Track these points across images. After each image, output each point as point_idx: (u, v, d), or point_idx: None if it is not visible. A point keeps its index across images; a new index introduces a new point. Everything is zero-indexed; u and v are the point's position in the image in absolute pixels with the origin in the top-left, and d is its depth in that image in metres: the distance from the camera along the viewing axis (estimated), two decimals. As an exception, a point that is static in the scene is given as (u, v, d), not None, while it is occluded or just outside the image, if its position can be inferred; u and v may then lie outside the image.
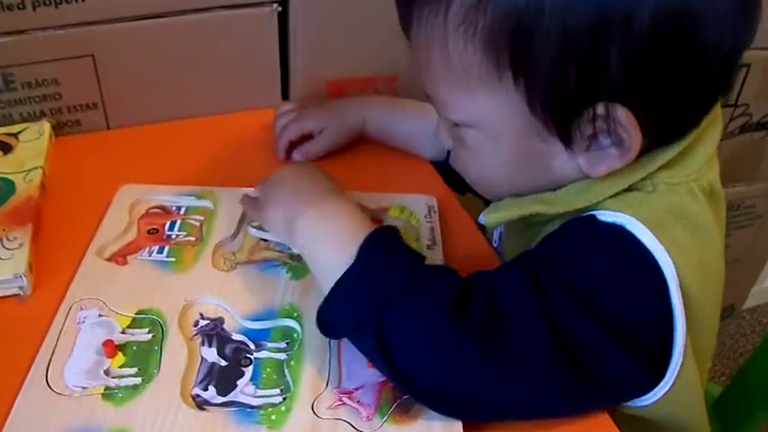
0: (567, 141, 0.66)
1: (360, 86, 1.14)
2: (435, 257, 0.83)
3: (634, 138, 0.63)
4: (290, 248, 0.81)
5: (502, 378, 0.63)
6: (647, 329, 0.65)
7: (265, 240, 0.83)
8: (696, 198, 0.69)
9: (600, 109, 0.62)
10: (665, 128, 0.66)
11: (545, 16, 0.59)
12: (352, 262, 0.66)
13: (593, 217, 0.68)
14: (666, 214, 0.66)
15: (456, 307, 0.63)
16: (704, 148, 0.70)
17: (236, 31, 1.03)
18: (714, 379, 1.79)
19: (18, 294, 0.77)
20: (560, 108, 0.63)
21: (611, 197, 0.67)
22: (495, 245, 0.88)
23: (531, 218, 0.71)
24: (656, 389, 0.67)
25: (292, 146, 0.98)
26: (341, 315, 0.67)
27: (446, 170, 0.98)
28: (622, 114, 0.62)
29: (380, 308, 0.63)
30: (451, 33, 0.63)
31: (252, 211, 0.82)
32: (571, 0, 0.58)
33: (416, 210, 0.90)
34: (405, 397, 0.67)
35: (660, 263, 0.64)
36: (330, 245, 0.70)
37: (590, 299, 0.63)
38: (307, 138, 0.99)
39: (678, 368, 0.66)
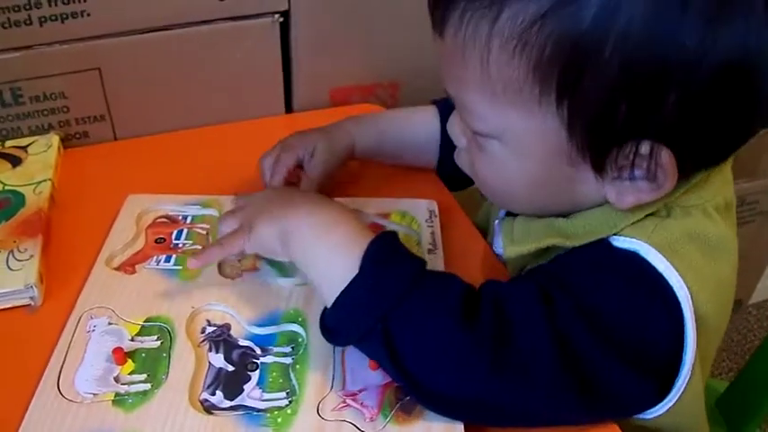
0: (599, 170, 0.64)
1: (362, 94, 1.17)
2: (436, 262, 0.84)
3: (670, 177, 0.62)
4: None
5: (508, 390, 0.63)
6: (657, 352, 0.65)
7: None
8: (711, 217, 0.68)
9: (644, 147, 0.61)
10: (700, 165, 0.66)
11: (608, 46, 0.56)
12: (355, 271, 0.65)
13: (608, 242, 0.67)
14: (681, 238, 0.66)
15: (464, 313, 0.63)
16: (722, 170, 0.70)
17: (239, 42, 1.05)
18: (722, 375, 1.80)
19: (29, 304, 0.79)
20: (602, 139, 0.62)
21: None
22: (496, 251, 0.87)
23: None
24: (662, 404, 0.67)
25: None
26: (347, 323, 0.67)
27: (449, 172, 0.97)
28: (666, 156, 0.61)
29: (387, 314, 0.64)
30: (496, 45, 0.60)
31: (237, 239, 0.75)
32: (639, 35, 0.56)
33: (417, 214, 0.91)
34: (407, 398, 0.69)
35: (675, 289, 0.64)
36: (331, 255, 0.69)
37: (602, 324, 0.62)
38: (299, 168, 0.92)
39: (685, 385, 0.66)
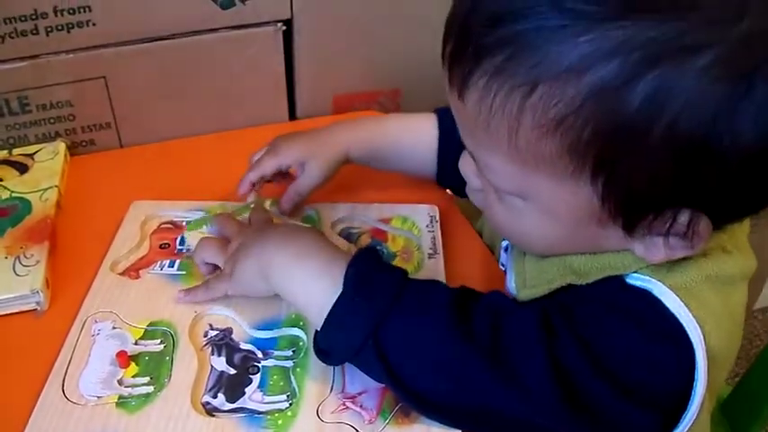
0: (629, 231, 0.62)
1: (365, 100, 1.18)
2: (437, 266, 0.85)
3: (704, 241, 0.60)
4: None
5: (502, 395, 0.63)
6: (664, 391, 0.64)
7: None
8: (729, 255, 0.67)
9: (683, 217, 0.59)
10: (732, 221, 0.64)
11: (655, 131, 0.53)
12: (339, 291, 0.66)
13: (622, 280, 0.66)
14: (696, 277, 0.64)
15: (453, 316, 0.64)
16: None
17: (242, 51, 1.06)
18: (728, 380, 1.78)
19: (35, 309, 0.80)
20: (637, 209, 0.59)
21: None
22: (502, 262, 0.86)
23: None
24: None
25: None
26: (339, 342, 0.67)
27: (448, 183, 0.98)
28: (704, 225, 0.59)
29: (376, 327, 0.64)
30: (528, 121, 0.56)
31: (221, 284, 0.78)
32: (693, 119, 0.53)
33: (418, 219, 0.92)
34: (405, 401, 0.70)
35: (687, 330, 0.62)
36: (312, 280, 0.69)
37: (604, 361, 0.61)
38: (284, 176, 0.91)
39: (693, 419, 0.64)
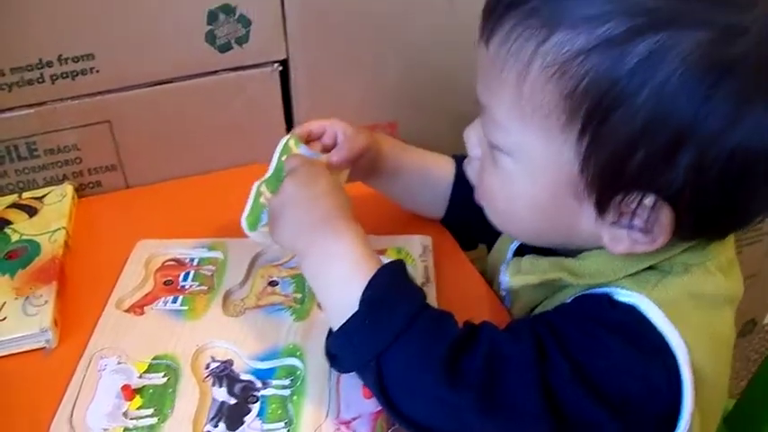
0: (601, 211, 0.65)
1: (362, 134, 1.20)
2: (429, 295, 0.86)
3: (664, 235, 0.64)
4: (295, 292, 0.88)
5: None
6: (655, 410, 0.66)
7: (272, 285, 0.90)
8: (712, 276, 0.70)
9: (648, 200, 0.62)
10: (699, 235, 0.68)
11: (641, 95, 0.58)
12: (355, 306, 0.68)
13: (609, 297, 0.69)
14: (681, 295, 0.67)
15: (451, 362, 0.65)
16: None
17: (241, 91, 1.10)
18: (740, 396, 1.80)
19: (45, 347, 0.83)
20: (611, 182, 0.63)
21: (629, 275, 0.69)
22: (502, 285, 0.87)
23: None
24: None
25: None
26: (346, 355, 0.70)
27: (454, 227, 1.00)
28: (666, 216, 0.62)
29: (381, 353, 0.66)
30: (536, 66, 0.62)
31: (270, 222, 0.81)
32: (673, 94, 0.58)
33: (412, 250, 0.95)
34: (397, 426, 0.72)
35: (672, 346, 0.65)
36: (338, 283, 0.71)
37: (597, 384, 0.63)
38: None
39: None
